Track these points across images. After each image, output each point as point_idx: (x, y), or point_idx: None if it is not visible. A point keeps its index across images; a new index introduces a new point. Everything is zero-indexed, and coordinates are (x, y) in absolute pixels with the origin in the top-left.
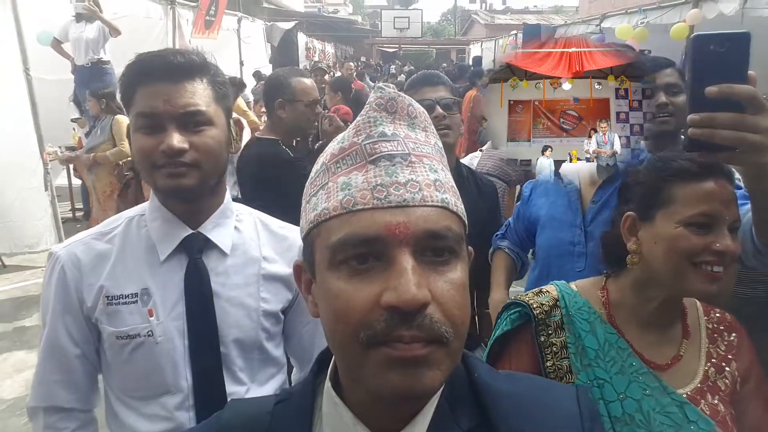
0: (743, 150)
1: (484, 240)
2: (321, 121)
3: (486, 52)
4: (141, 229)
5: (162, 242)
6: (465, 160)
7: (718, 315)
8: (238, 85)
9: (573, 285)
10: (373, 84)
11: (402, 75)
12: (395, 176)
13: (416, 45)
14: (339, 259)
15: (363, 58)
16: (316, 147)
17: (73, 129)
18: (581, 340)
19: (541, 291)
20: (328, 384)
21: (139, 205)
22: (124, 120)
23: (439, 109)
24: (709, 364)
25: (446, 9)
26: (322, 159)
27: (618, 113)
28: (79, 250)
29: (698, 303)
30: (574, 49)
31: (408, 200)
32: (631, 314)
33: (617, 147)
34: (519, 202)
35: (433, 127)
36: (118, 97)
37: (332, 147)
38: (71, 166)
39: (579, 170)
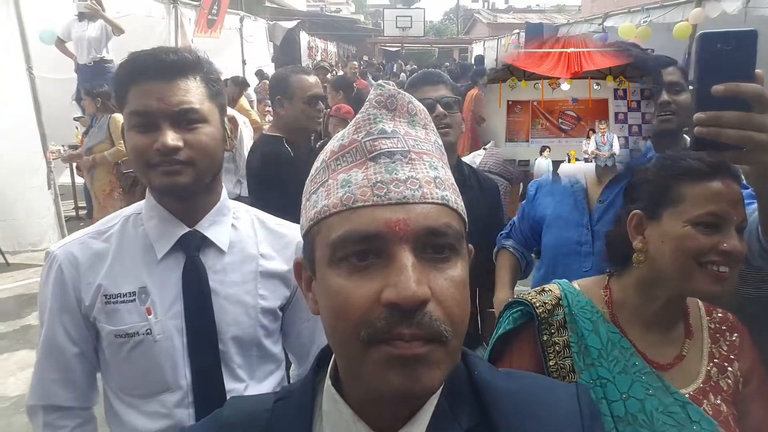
0: (750, 149)
1: (486, 238)
2: (325, 120)
3: (488, 51)
4: (138, 228)
5: (159, 241)
6: (467, 159)
7: (720, 315)
8: (241, 84)
9: (575, 284)
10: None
11: (403, 74)
12: (395, 173)
13: (419, 44)
14: (339, 256)
15: (365, 57)
16: (317, 145)
17: (76, 128)
18: (584, 339)
19: (543, 290)
20: (328, 382)
21: (136, 204)
22: (120, 118)
23: (439, 108)
24: (711, 364)
25: (449, 8)
26: (322, 156)
27: (616, 114)
28: (76, 249)
29: (700, 303)
30: (572, 50)
31: (408, 197)
32: (634, 314)
33: (616, 148)
34: (524, 202)
35: (433, 124)
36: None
37: (332, 144)
38: (74, 165)
39: (581, 170)
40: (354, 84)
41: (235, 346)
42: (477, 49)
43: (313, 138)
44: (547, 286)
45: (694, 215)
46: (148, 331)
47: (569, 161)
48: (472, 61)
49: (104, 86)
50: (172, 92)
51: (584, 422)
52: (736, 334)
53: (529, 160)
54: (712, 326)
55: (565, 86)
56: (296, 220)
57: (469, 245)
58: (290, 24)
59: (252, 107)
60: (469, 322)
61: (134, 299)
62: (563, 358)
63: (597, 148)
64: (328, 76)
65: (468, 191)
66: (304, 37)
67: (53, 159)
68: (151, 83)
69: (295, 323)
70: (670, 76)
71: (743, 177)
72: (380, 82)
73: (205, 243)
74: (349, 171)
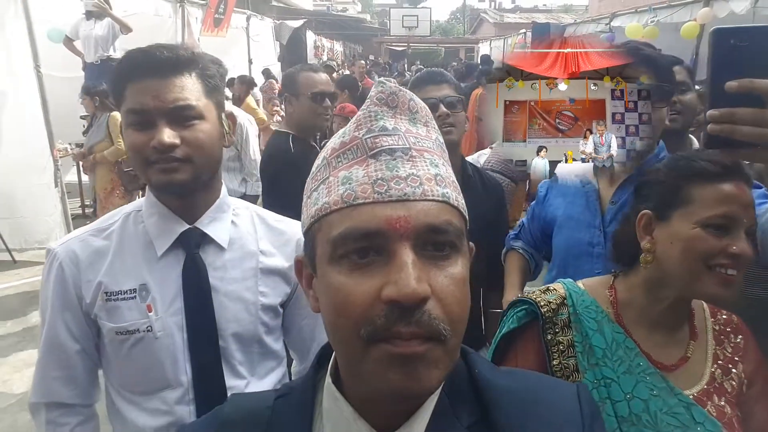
0: (765, 146)
1: (489, 238)
2: (332, 118)
3: (495, 50)
4: (138, 225)
5: (159, 238)
6: (472, 158)
7: (724, 317)
8: (248, 83)
9: (580, 283)
10: None
11: (408, 73)
12: (396, 170)
13: (425, 43)
14: (340, 254)
15: (371, 57)
16: (321, 144)
17: (83, 126)
18: (588, 338)
19: (548, 289)
20: (328, 379)
21: (136, 201)
22: (119, 116)
23: (442, 108)
24: (715, 365)
25: (455, 7)
26: (323, 154)
27: (614, 114)
28: (77, 247)
29: (705, 304)
30: (569, 50)
31: (409, 194)
32: (639, 314)
33: (614, 148)
34: (534, 202)
35: (434, 122)
36: None
37: (333, 141)
38: (81, 163)
39: (579, 170)
40: (361, 83)
41: (235, 342)
42: (483, 49)
43: (318, 136)
44: (551, 286)
45: (704, 217)
46: (149, 328)
47: (566, 161)
48: (478, 61)
49: (102, 84)
50: (167, 89)
51: (584, 421)
52: (740, 336)
53: (526, 160)
54: (717, 328)
55: (562, 86)
56: (297, 217)
57: (470, 243)
58: (297, 23)
59: (258, 106)
60: (473, 323)
61: (135, 296)
62: (567, 357)
63: (595, 149)
64: (334, 75)
65: (472, 191)
66: (310, 37)
67: (60, 157)
68: (146, 81)
69: (296, 320)
70: (676, 76)
71: (758, 176)
72: (381, 79)
73: (205, 240)
74: (350, 168)
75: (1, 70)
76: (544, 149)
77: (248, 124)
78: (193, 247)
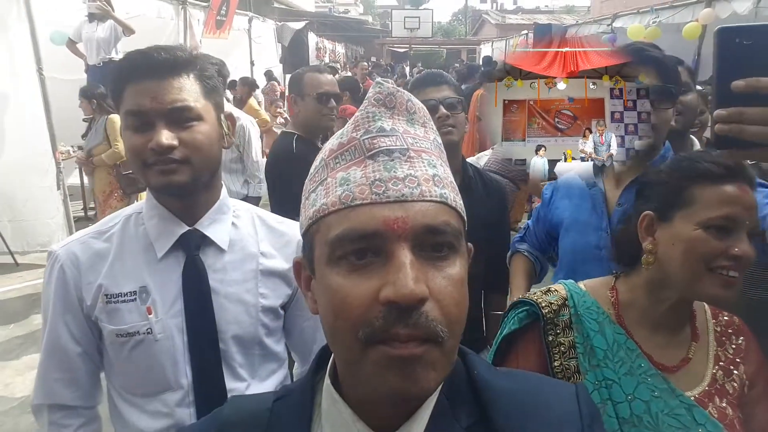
0: None
1: (492, 240)
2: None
3: (496, 52)
4: (139, 227)
5: (159, 240)
6: (472, 159)
7: (726, 318)
8: (250, 84)
9: (581, 284)
10: None
11: (408, 76)
12: (394, 171)
13: (427, 45)
14: (338, 255)
15: (373, 58)
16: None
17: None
18: (590, 340)
19: (549, 290)
20: (327, 381)
21: (137, 203)
22: (117, 119)
23: (442, 109)
24: (717, 367)
25: (457, 9)
26: (321, 155)
27: (612, 113)
28: (78, 249)
29: (706, 306)
30: (568, 49)
31: (406, 195)
32: (641, 315)
33: (614, 148)
34: (539, 205)
35: (432, 122)
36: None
37: (331, 143)
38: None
39: (578, 169)
40: (362, 85)
41: (235, 345)
42: (485, 50)
43: (321, 138)
44: (552, 286)
45: (706, 218)
46: (149, 330)
47: (565, 160)
48: (480, 62)
49: (100, 87)
50: (165, 91)
51: (583, 422)
52: (742, 338)
53: (525, 159)
54: (718, 329)
55: (561, 85)
56: (297, 218)
57: (469, 244)
58: (298, 25)
59: (260, 107)
60: (474, 325)
61: (135, 298)
62: (568, 358)
63: (595, 149)
64: (336, 77)
65: (473, 192)
66: (312, 38)
67: (63, 160)
68: (144, 82)
69: (297, 322)
70: None
71: (762, 174)
72: (379, 80)
73: (205, 242)
74: (347, 169)
75: (3, 72)
76: (543, 148)
77: (250, 125)
78: (193, 249)
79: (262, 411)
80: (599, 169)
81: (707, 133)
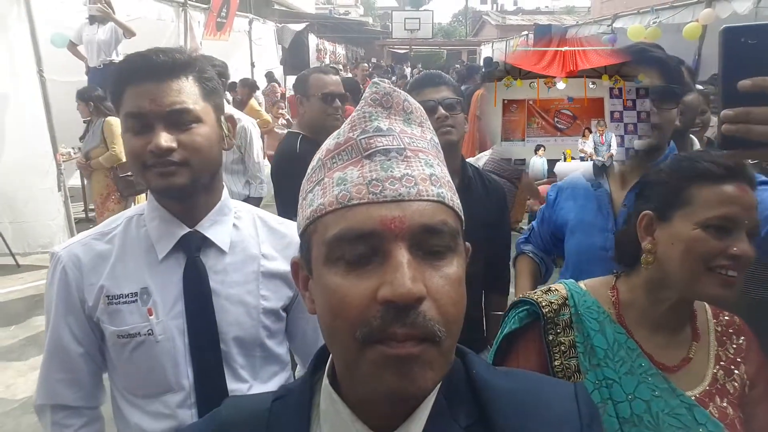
0: None
1: (492, 240)
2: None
3: (497, 52)
4: (140, 229)
5: (160, 241)
6: (472, 160)
7: (727, 318)
8: (251, 86)
9: (582, 284)
10: None
11: (409, 77)
12: (390, 171)
13: (427, 46)
14: (335, 255)
15: (374, 60)
16: None
17: None
18: (590, 339)
19: (549, 289)
20: (325, 381)
21: (139, 205)
22: (114, 122)
23: (441, 110)
24: (717, 366)
25: (457, 10)
26: (318, 155)
27: (612, 112)
28: (80, 250)
29: (707, 306)
30: (567, 48)
31: (403, 194)
32: (641, 315)
33: (614, 148)
34: (544, 206)
35: (429, 122)
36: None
37: (328, 143)
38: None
39: (578, 169)
40: (362, 86)
41: (236, 346)
42: (485, 51)
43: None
44: (553, 286)
45: (705, 218)
46: (150, 331)
47: (565, 160)
48: (481, 63)
49: (97, 89)
50: (164, 93)
51: (582, 421)
52: (743, 338)
53: (525, 159)
54: (719, 329)
55: (560, 85)
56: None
57: (467, 243)
58: (299, 26)
59: (261, 108)
60: (474, 325)
61: (136, 300)
62: (569, 358)
63: (595, 149)
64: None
65: (473, 193)
66: (312, 40)
67: (63, 161)
68: (144, 85)
69: (300, 324)
70: None
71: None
72: (375, 80)
73: (206, 243)
74: (344, 169)
75: (4, 73)
76: (542, 148)
77: (252, 127)
78: (193, 250)
79: (260, 411)
80: (603, 170)
81: (708, 133)
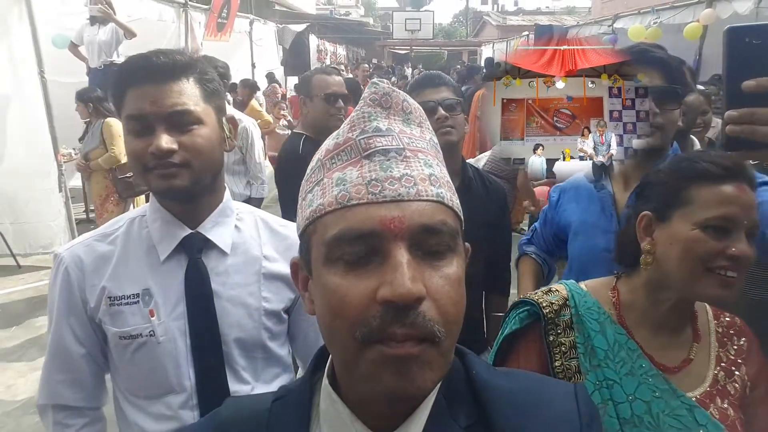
0: None
1: (492, 241)
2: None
3: (497, 53)
4: (142, 230)
5: (161, 243)
6: (471, 160)
7: (728, 319)
8: (251, 86)
9: (583, 285)
10: None
11: (410, 77)
12: (390, 171)
13: (428, 47)
14: (335, 255)
15: (374, 60)
16: None
17: None
18: (590, 340)
19: (550, 290)
20: (325, 381)
21: (141, 206)
22: (113, 123)
23: (441, 111)
24: (718, 367)
25: (458, 10)
26: (317, 155)
27: (611, 112)
28: (82, 252)
29: (708, 307)
30: (565, 47)
31: (403, 194)
32: (642, 316)
33: (614, 148)
34: (546, 207)
35: (428, 122)
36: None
37: (327, 143)
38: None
39: (577, 169)
40: (363, 87)
41: (238, 348)
42: (486, 52)
43: None
44: (553, 286)
45: (704, 218)
46: (152, 332)
47: (564, 159)
48: (482, 64)
49: (96, 90)
50: (164, 95)
51: (582, 421)
52: (743, 339)
53: (524, 158)
54: (720, 330)
55: (560, 84)
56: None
57: (466, 243)
58: (299, 27)
59: (261, 109)
60: (475, 326)
61: (138, 301)
62: (569, 358)
63: (595, 148)
64: None
65: (473, 193)
66: (313, 41)
67: (64, 162)
68: (144, 87)
69: (302, 326)
70: None
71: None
72: (374, 80)
73: (208, 245)
74: (344, 169)
75: (5, 74)
76: (541, 147)
77: (253, 127)
78: (195, 252)
79: (260, 411)
80: (606, 171)
81: (710, 134)
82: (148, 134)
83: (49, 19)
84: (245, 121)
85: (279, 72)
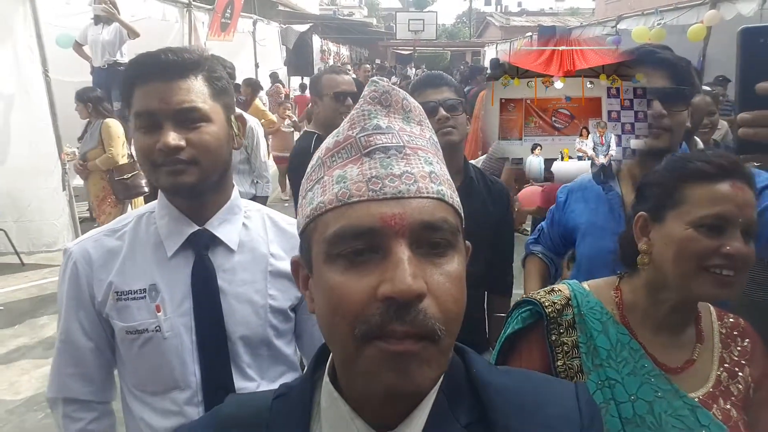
0: None
1: (495, 241)
2: None
3: (501, 54)
4: (150, 226)
5: (169, 238)
6: (472, 162)
7: (731, 320)
8: (254, 85)
9: (585, 284)
10: None
11: (413, 77)
12: (390, 168)
13: (431, 47)
14: (335, 252)
15: (378, 61)
16: None
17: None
18: (593, 339)
19: (553, 290)
20: (326, 378)
21: (150, 203)
22: (113, 124)
23: (442, 111)
24: (721, 368)
25: (461, 11)
26: (318, 154)
27: (609, 112)
28: (90, 247)
29: (711, 307)
30: (564, 47)
31: (403, 192)
32: (644, 316)
33: (614, 149)
34: (553, 207)
35: (428, 121)
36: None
37: (328, 141)
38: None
39: (577, 169)
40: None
41: (243, 345)
42: (489, 53)
43: None
44: (556, 286)
45: (697, 217)
46: (158, 328)
47: (562, 159)
48: (486, 64)
49: (95, 90)
50: (173, 92)
51: (583, 420)
52: (747, 340)
53: (522, 158)
54: (723, 331)
55: (558, 84)
56: None
57: (467, 242)
58: (303, 27)
59: (265, 108)
60: (477, 326)
61: (144, 296)
62: (572, 358)
63: (594, 149)
64: None
65: (475, 193)
66: (316, 41)
67: (68, 161)
68: (153, 84)
69: (307, 324)
70: None
71: None
72: (374, 78)
73: (215, 242)
74: (344, 167)
75: (9, 74)
76: (539, 147)
77: (257, 127)
78: (202, 248)
79: (261, 408)
80: (613, 172)
81: (716, 135)
82: (156, 131)
83: (54, 19)
84: (250, 120)
85: (282, 72)
